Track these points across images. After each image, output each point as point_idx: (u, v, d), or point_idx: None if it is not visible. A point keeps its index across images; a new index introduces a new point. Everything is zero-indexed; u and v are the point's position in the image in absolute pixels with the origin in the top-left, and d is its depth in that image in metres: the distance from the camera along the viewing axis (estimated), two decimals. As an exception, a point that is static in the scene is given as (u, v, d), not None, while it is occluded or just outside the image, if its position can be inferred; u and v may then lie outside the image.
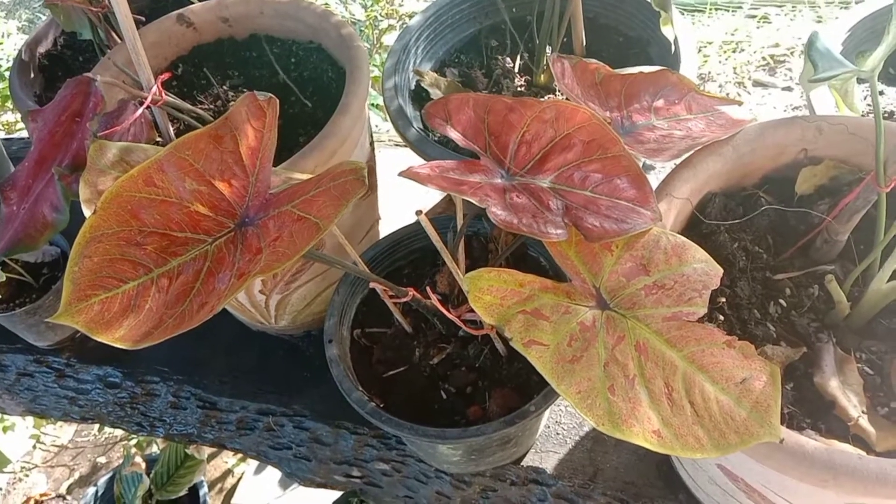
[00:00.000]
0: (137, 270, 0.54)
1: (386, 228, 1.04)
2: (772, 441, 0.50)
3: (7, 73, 2.27)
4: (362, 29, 2.21)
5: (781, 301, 0.67)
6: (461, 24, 1.11)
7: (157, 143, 0.81)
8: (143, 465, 1.64)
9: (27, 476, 2.11)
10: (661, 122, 0.71)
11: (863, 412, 0.59)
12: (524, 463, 0.91)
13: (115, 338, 0.52)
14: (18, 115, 2.34)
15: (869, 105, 0.95)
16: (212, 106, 0.98)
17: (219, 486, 1.98)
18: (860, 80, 0.95)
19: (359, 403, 0.69)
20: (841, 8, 2.01)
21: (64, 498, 2.05)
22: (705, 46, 2.02)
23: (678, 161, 0.71)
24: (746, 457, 0.55)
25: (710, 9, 2.13)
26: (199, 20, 1.02)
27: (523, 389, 0.72)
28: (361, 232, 1.00)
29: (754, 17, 2.08)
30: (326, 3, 2.13)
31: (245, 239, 0.56)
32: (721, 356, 0.53)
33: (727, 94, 1.77)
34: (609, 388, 0.52)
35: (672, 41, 0.90)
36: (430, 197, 1.24)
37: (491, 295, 0.56)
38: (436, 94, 0.97)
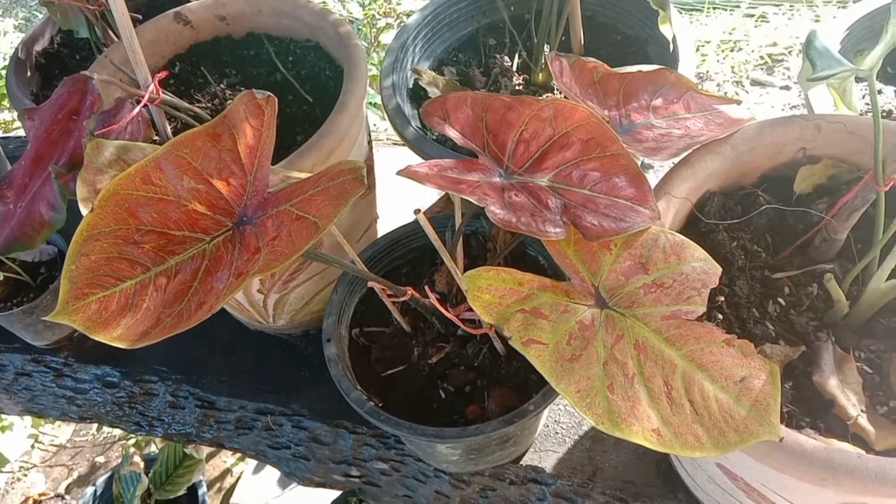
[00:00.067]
0: (135, 269, 0.54)
1: (384, 227, 1.04)
2: (771, 440, 0.50)
3: (4, 72, 2.27)
4: (360, 27, 2.20)
5: (780, 300, 0.67)
6: (459, 22, 1.10)
7: (154, 142, 0.80)
8: (142, 465, 1.64)
9: (26, 476, 2.11)
10: (659, 121, 0.71)
11: (862, 411, 0.59)
12: (523, 462, 0.91)
13: (113, 337, 0.51)
14: (15, 114, 2.33)
15: (867, 104, 0.95)
16: (209, 104, 0.98)
17: (217, 485, 1.98)
18: (858, 79, 0.95)
19: (357, 403, 0.69)
20: (839, 7, 2.01)
21: (62, 497, 2.05)
22: (703, 45, 2.02)
23: (676, 160, 0.71)
24: (746, 455, 0.55)
25: (708, 8, 2.13)
26: (196, 18, 1.02)
27: (522, 389, 0.72)
28: (360, 231, 1.00)
29: (752, 16, 2.08)
30: (324, 2, 2.13)
31: (243, 238, 0.55)
32: (720, 355, 0.53)
33: (725, 93, 1.78)
34: (608, 387, 0.52)
35: (670, 40, 0.89)
36: (428, 196, 1.24)
37: (490, 294, 0.56)
38: (434, 92, 0.96)
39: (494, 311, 0.55)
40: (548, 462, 0.90)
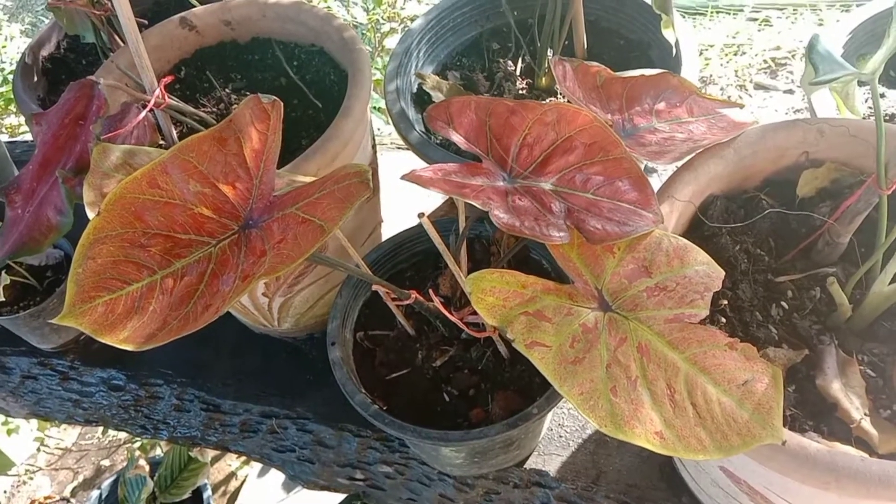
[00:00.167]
0: (141, 272, 0.54)
1: (388, 231, 1.04)
2: (774, 443, 0.50)
3: (10, 77, 2.28)
4: (364, 32, 2.21)
5: (783, 303, 0.67)
6: (463, 27, 1.11)
7: (159, 146, 0.81)
8: (147, 468, 1.64)
9: (31, 479, 2.12)
10: (662, 125, 0.71)
11: (865, 414, 0.59)
12: (527, 465, 0.91)
13: (120, 339, 0.52)
14: (22, 119, 2.35)
15: (870, 108, 0.95)
16: (214, 109, 0.98)
17: (222, 488, 1.98)
18: (861, 83, 0.95)
19: (362, 406, 0.69)
20: (842, 11, 2.01)
21: (68, 501, 2.05)
22: (707, 49, 2.02)
23: (679, 164, 0.71)
24: (749, 459, 0.56)
25: (712, 12, 2.13)
26: (201, 23, 1.02)
27: (526, 392, 0.72)
28: (364, 235, 1.00)
29: (755, 20, 2.08)
30: (328, 7, 2.13)
31: (249, 241, 0.56)
32: (723, 358, 0.54)
33: (728, 97, 1.78)
34: (611, 390, 0.52)
35: (673, 44, 0.90)
36: (432, 200, 1.25)
37: (493, 296, 0.56)
38: (438, 97, 0.97)
39: (498, 313, 0.55)
40: (552, 465, 0.91)
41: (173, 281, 0.54)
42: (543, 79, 1.03)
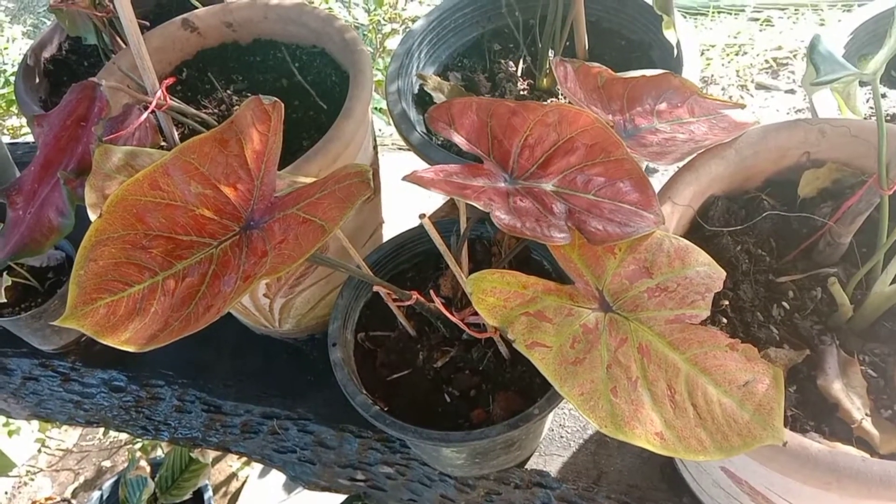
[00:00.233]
0: (143, 274, 0.54)
1: (389, 232, 1.04)
2: (775, 444, 0.50)
3: (12, 78, 2.28)
4: (365, 33, 2.21)
5: (784, 304, 0.67)
6: (464, 28, 1.11)
7: (161, 148, 0.81)
8: (148, 469, 1.64)
9: (32, 480, 2.12)
10: (663, 126, 0.71)
11: (866, 415, 0.59)
12: (528, 466, 0.91)
13: (122, 341, 0.52)
14: (23, 120, 2.35)
15: (871, 108, 0.95)
16: (216, 110, 0.98)
17: (223, 489, 1.98)
18: (862, 83, 0.95)
19: (363, 407, 0.69)
20: (843, 11, 2.01)
21: (69, 502, 2.05)
22: (708, 49, 2.02)
23: (681, 164, 0.71)
24: (750, 459, 0.56)
25: (713, 12, 2.13)
26: (203, 25, 1.02)
27: (527, 392, 0.72)
28: (365, 236, 1.00)
29: (757, 20, 2.08)
30: (329, 8, 2.13)
31: (250, 242, 0.56)
32: (724, 359, 0.54)
33: (730, 98, 1.78)
34: (612, 390, 0.52)
35: (674, 45, 0.90)
36: (433, 201, 1.25)
37: (494, 297, 0.56)
38: (439, 97, 0.97)
39: (499, 313, 0.55)
40: (553, 466, 0.91)
41: (175, 282, 0.55)
42: (544, 80, 1.03)
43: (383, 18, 2.16)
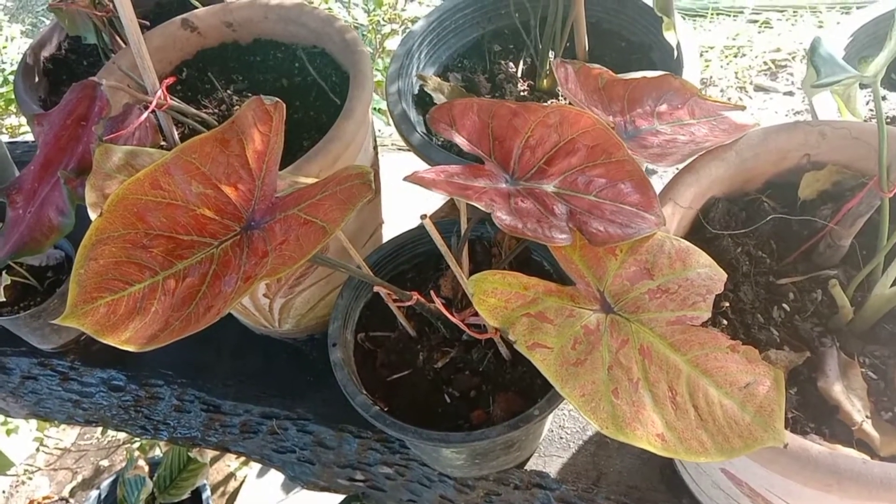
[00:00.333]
0: (143, 273, 0.54)
1: (389, 233, 1.04)
2: (776, 445, 0.50)
3: (11, 77, 2.28)
4: (365, 33, 2.21)
5: (785, 306, 0.67)
6: (464, 28, 1.11)
7: (161, 148, 0.81)
8: (146, 469, 1.64)
9: (30, 479, 2.11)
10: (664, 127, 0.71)
11: (867, 417, 0.59)
12: (528, 467, 0.91)
13: (122, 340, 0.52)
14: (22, 119, 2.35)
15: (871, 110, 0.95)
16: (216, 110, 0.98)
17: (221, 489, 1.98)
18: (863, 86, 0.95)
19: (363, 407, 0.69)
20: (842, 13, 2.01)
21: (66, 501, 2.05)
22: (707, 51, 2.02)
23: (681, 166, 0.71)
24: (750, 461, 0.56)
25: (712, 14, 2.13)
26: (203, 25, 1.02)
27: (527, 393, 0.72)
28: (365, 236, 1.00)
29: (756, 21, 2.08)
30: (329, 8, 2.13)
31: (251, 242, 0.56)
32: (725, 360, 0.54)
33: (728, 99, 1.78)
34: (613, 392, 0.52)
35: (674, 46, 0.90)
36: (433, 202, 1.25)
37: (495, 298, 0.56)
38: (439, 98, 0.97)
39: (500, 314, 0.55)
40: (552, 467, 0.91)
41: (175, 282, 0.54)
42: (545, 81, 1.03)
43: (383, 19, 2.16)
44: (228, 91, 1.00)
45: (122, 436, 2.15)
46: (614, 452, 0.91)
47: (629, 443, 0.50)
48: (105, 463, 2.13)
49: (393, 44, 2.09)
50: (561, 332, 0.55)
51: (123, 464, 2.02)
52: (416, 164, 0.84)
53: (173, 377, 1.10)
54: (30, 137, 1.88)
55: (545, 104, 0.62)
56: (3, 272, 1.06)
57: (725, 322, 0.66)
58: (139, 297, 0.54)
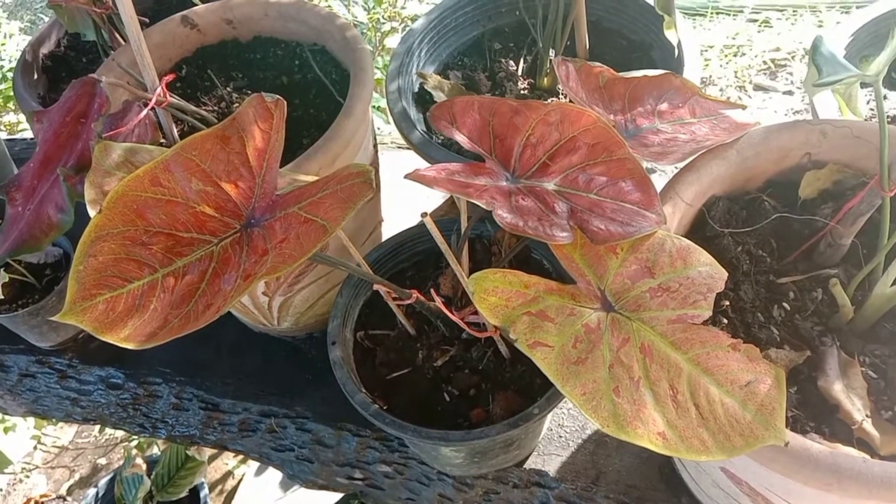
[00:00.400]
0: (143, 270, 0.54)
1: (388, 231, 1.04)
2: (777, 444, 0.50)
3: (9, 74, 2.28)
4: (364, 31, 2.21)
5: (785, 305, 0.67)
6: (464, 27, 1.11)
7: (160, 145, 0.81)
8: (144, 467, 1.64)
9: (28, 477, 2.11)
10: (665, 126, 0.71)
11: (867, 416, 0.59)
12: (527, 466, 0.91)
13: (121, 337, 0.52)
14: (21, 116, 2.34)
15: (872, 109, 0.95)
16: (216, 108, 0.98)
17: (219, 487, 1.98)
18: (864, 85, 0.95)
19: (362, 405, 0.69)
20: (842, 12, 2.02)
21: (64, 499, 2.05)
22: (706, 50, 2.02)
23: (681, 164, 0.71)
24: (751, 460, 0.56)
25: (712, 13, 2.13)
26: (203, 22, 1.02)
27: (526, 392, 0.72)
28: (364, 234, 1.00)
29: (755, 21, 2.09)
30: (329, 6, 2.13)
31: (251, 240, 0.56)
32: (726, 359, 0.54)
33: (728, 98, 1.78)
34: (614, 390, 0.52)
35: (675, 45, 0.90)
36: (432, 200, 1.25)
37: (496, 296, 0.56)
38: (439, 96, 0.97)
39: (500, 313, 0.55)
40: (551, 466, 0.91)
41: (175, 279, 0.54)
42: (545, 79, 1.03)
43: (383, 16, 2.16)
44: (228, 88, 1.00)
45: (119, 434, 2.15)
46: (613, 451, 0.91)
47: (630, 441, 0.50)
48: (103, 461, 2.13)
49: (393, 42, 2.08)
50: (562, 330, 0.55)
51: (121, 462, 2.01)
52: (415, 162, 0.84)
53: (172, 375, 1.10)
54: (29, 134, 1.88)
55: (546, 102, 0.62)
56: (2, 270, 1.06)
57: (726, 321, 0.66)
58: (138, 295, 0.53)
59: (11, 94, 1.20)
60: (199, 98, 0.99)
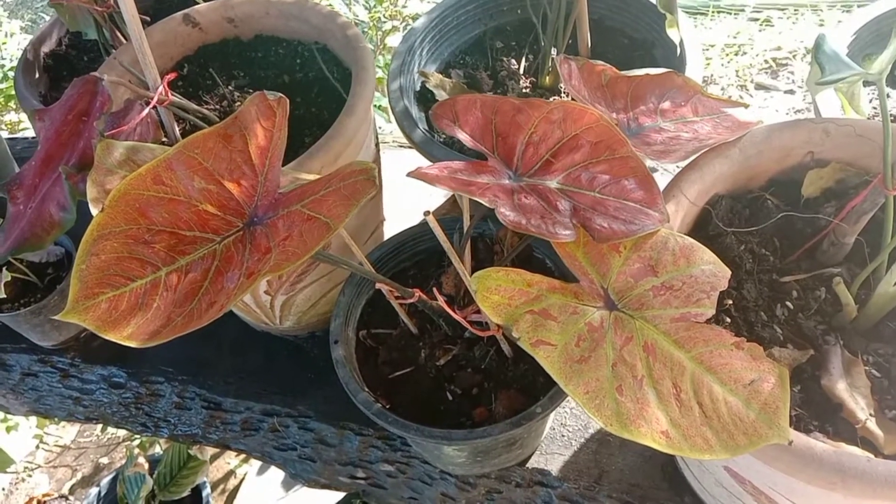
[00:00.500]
0: (145, 269, 0.54)
1: (390, 230, 1.04)
2: (780, 443, 0.50)
3: (11, 74, 2.28)
4: (365, 30, 2.21)
5: (788, 303, 0.67)
6: (466, 25, 1.11)
7: (162, 143, 0.81)
8: (146, 466, 1.64)
9: (30, 476, 2.11)
10: (667, 124, 0.71)
11: (870, 415, 0.59)
12: (529, 465, 0.91)
13: (123, 336, 0.52)
14: (22, 115, 2.34)
15: (874, 107, 0.95)
16: (217, 106, 0.98)
17: (221, 486, 1.98)
18: (866, 83, 0.95)
19: (365, 404, 0.69)
20: (843, 11, 2.01)
21: (66, 498, 2.05)
22: (708, 49, 2.02)
23: (684, 163, 0.71)
24: (754, 459, 0.55)
25: (713, 11, 2.13)
26: (204, 20, 1.02)
27: (529, 391, 0.72)
28: (367, 233, 1.00)
29: (756, 20, 2.08)
30: (330, 5, 2.13)
31: (254, 238, 0.56)
32: (729, 357, 0.53)
33: (729, 97, 1.78)
34: (617, 389, 0.52)
35: (677, 44, 0.90)
36: (434, 199, 1.24)
37: (499, 295, 0.56)
38: (441, 95, 0.97)
39: (503, 311, 0.55)
40: (554, 465, 0.90)
41: (177, 278, 0.54)
42: (547, 77, 1.03)
43: (384, 15, 2.16)
44: (230, 87, 1.00)
45: (122, 433, 2.15)
46: (616, 450, 0.91)
47: (634, 440, 0.50)
48: (105, 460, 2.13)
49: (394, 40, 2.08)
50: (565, 329, 0.55)
51: (123, 461, 2.02)
52: (417, 161, 0.84)
53: (174, 374, 1.10)
54: (30, 133, 1.88)
55: (549, 100, 0.62)
56: (4, 269, 1.06)
57: (729, 320, 0.66)
58: (141, 293, 0.53)
59: (13, 92, 1.20)
60: (201, 97, 0.99)
